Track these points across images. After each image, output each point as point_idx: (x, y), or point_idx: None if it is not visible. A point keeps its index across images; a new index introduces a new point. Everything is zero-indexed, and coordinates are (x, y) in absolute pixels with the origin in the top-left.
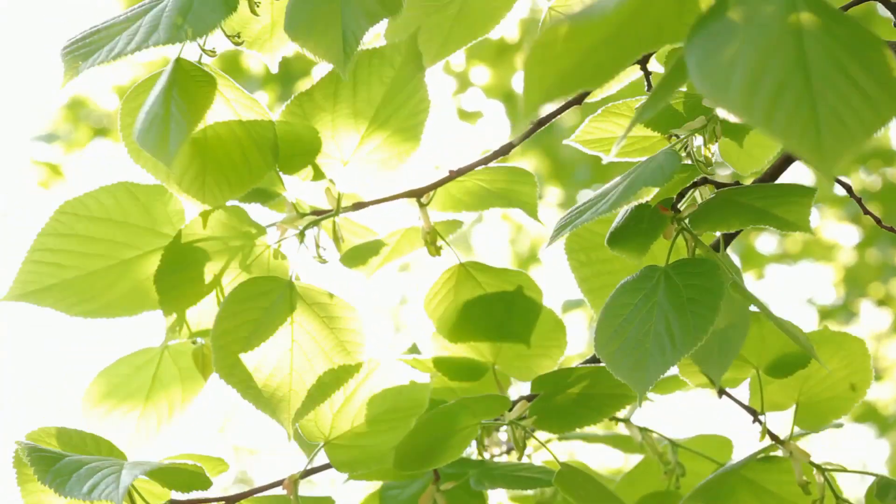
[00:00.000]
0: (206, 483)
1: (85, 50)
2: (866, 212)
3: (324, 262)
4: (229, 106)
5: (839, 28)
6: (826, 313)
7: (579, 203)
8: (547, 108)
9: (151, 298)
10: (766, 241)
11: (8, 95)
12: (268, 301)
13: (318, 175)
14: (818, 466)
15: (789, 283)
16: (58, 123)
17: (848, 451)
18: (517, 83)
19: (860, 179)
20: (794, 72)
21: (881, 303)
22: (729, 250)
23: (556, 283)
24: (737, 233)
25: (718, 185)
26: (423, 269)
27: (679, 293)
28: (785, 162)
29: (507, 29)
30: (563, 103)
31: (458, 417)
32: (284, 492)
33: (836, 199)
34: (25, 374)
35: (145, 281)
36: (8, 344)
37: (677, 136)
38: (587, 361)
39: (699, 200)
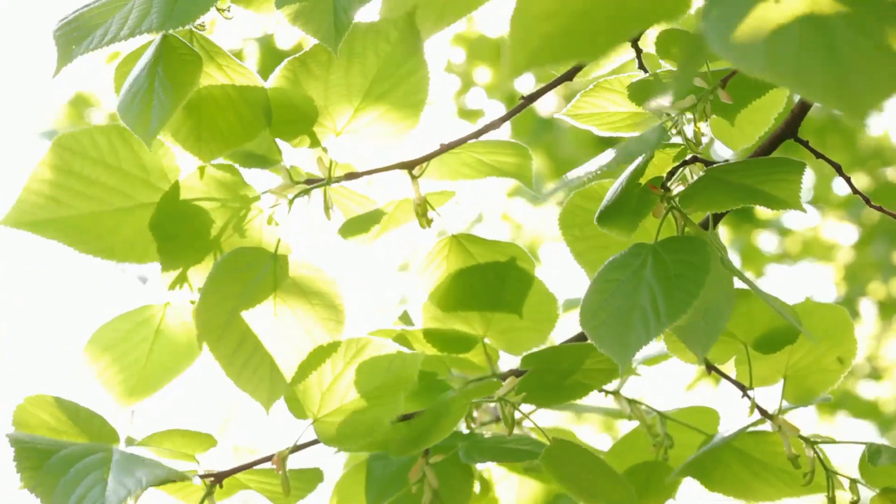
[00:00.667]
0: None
1: (78, 33)
2: (855, 191)
3: (315, 232)
4: (222, 71)
5: None
6: None
7: (572, 172)
8: (535, 84)
9: (154, 251)
10: (766, 241)
11: (9, 93)
12: (253, 274)
13: (315, 143)
14: (807, 440)
15: (789, 283)
16: (61, 122)
17: (848, 450)
18: (518, 83)
19: (860, 179)
20: (815, 29)
21: (881, 303)
22: (729, 250)
23: (556, 283)
24: (726, 211)
25: (708, 164)
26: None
27: (667, 269)
28: (774, 141)
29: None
30: (553, 80)
31: (455, 402)
32: (274, 467)
33: (835, 199)
34: (27, 345)
35: (144, 232)
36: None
37: (668, 115)
38: (573, 338)
39: (690, 179)
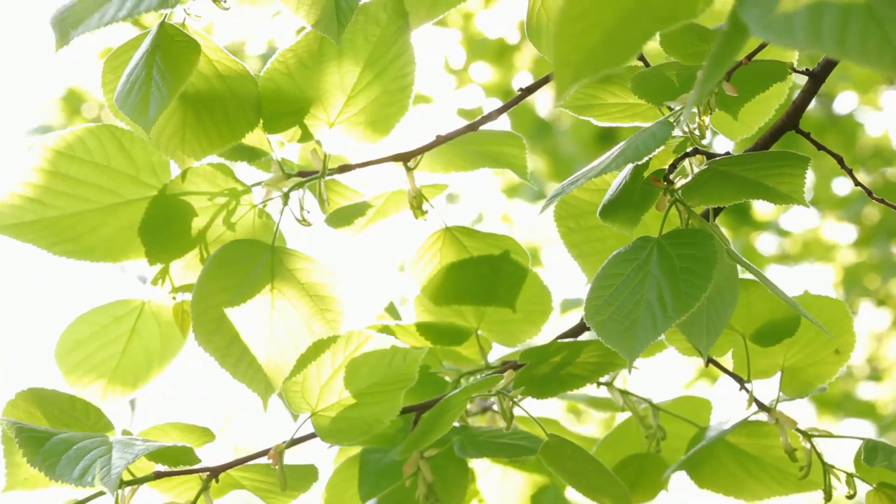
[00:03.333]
0: (193, 459)
1: (75, 17)
2: (857, 183)
3: (307, 224)
4: (211, 65)
5: None
6: None
7: (574, 175)
8: (530, 79)
9: (135, 247)
10: (765, 242)
11: (2, 89)
12: (249, 265)
13: (307, 136)
14: (804, 433)
15: (789, 283)
16: (53, 116)
17: (848, 449)
18: (518, 82)
19: (860, 178)
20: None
21: (881, 303)
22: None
23: (556, 284)
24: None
25: (709, 156)
26: None
27: (672, 262)
28: (775, 133)
29: (508, 31)
30: (551, 72)
31: (454, 399)
32: (270, 461)
33: (836, 200)
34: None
35: (128, 228)
36: None
37: (671, 108)
38: (572, 329)
39: (689, 171)
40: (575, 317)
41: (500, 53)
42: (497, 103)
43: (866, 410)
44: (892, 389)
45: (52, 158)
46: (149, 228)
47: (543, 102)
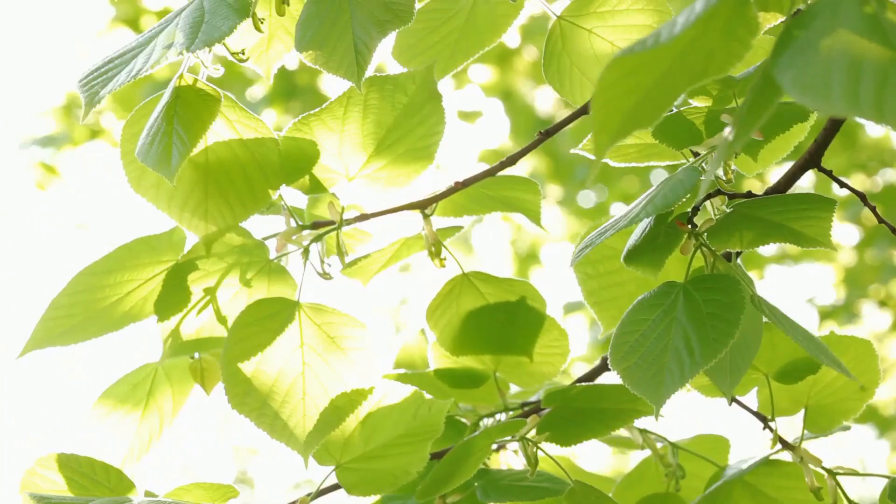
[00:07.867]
0: None
1: (103, 78)
2: (865, 202)
3: (328, 277)
4: (232, 127)
5: None
6: (826, 314)
7: (603, 226)
8: (555, 117)
9: (146, 311)
10: None
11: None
12: (275, 323)
13: (317, 187)
14: (829, 471)
15: (789, 284)
16: (53, 125)
17: (848, 451)
18: (519, 84)
19: (860, 180)
20: (892, 60)
21: (882, 303)
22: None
23: (557, 284)
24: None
25: (731, 196)
26: (424, 270)
27: (699, 308)
28: (797, 172)
29: (508, 35)
30: (570, 113)
31: (476, 442)
32: None
33: (836, 200)
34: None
35: (141, 301)
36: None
37: (696, 154)
38: (592, 370)
39: (711, 212)
40: (577, 321)
41: (500, 56)
42: (497, 104)
43: (866, 412)
44: (892, 391)
45: (82, 279)
46: (163, 300)
47: (543, 101)
